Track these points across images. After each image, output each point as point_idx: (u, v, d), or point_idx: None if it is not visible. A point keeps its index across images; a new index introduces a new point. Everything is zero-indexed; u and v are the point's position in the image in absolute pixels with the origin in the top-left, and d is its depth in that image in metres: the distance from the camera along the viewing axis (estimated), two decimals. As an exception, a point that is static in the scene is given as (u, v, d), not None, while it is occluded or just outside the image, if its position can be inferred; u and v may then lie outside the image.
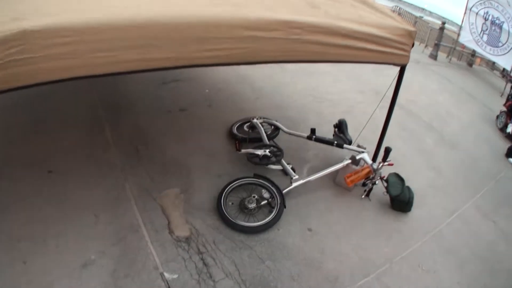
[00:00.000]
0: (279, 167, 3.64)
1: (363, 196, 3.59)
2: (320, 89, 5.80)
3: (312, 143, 3.96)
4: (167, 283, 2.49)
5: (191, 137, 4.04)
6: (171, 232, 2.85)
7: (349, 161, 3.59)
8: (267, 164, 3.57)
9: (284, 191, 3.29)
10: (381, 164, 3.38)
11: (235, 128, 4.24)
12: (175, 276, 2.53)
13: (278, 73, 5.88)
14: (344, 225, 3.31)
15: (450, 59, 8.61)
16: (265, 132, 4.07)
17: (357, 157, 3.58)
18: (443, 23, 8.58)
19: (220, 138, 4.14)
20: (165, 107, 4.50)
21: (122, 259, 2.59)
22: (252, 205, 3.13)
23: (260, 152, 3.60)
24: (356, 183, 3.49)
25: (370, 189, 3.61)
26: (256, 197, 3.21)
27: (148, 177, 3.33)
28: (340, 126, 3.99)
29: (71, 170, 3.25)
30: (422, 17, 9.37)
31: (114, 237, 2.73)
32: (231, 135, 4.15)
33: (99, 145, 3.62)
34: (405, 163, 4.32)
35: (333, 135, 4.05)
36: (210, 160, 3.74)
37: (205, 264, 2.66)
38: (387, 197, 3.58)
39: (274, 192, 3.24)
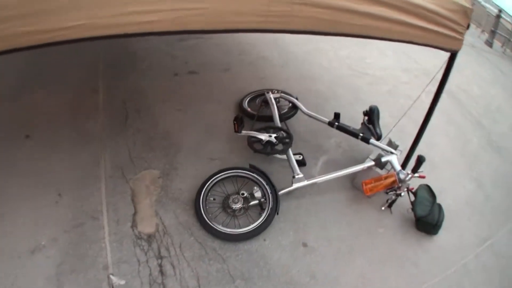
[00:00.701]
0: (285, 157, 2.99)
1: (383, 208, 2.84)
2: (361, 62, 4.73)
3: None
4: (113, 288, 2.16)
5: (193, 107, 3.51)
6: (134, 225, 2.46)
7: (372, 163, 2.80)
8: (269, 154, 2.94)
9: (280, 193, 2.68)
10: (410, 176, 2.56)
11: (246, 101, 3.59)
12: (123, 282, 2.17)
13: (315, 37, 4.88)
14: (350, 244, 2.63)
15: (505, 50, 7.05)
16: (280, 110, 3.38)
17: (383, 159, 2.77)
18: (499, 10, 7.08)
19: (227, 111, 3.54)
20: (174, 69, 3.97)
21: (73, 250, 2.28)
22: (237, 206, 2.58)
23: (263, 136, 2.96)
24: (375, 192, 2.73)
25: (394, 200, 2.82)
26: (245, 195, 2.65)
27: (128, 153, 2.93)
28: (371, 115, 3.12)
29: (50, 137, 2.97)
30: (480, 1, 7.63)
31: (71, 223, 2.42)
32: (240, 109, 3.53)
33: (87, 109, 3.27)
34: (444, 167, 3.33)
35: (362, 123, 3.21)
36: (206, 138, 3.21)
37: (162, 272, 2.25)
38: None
39: (267, 191, 2.65)
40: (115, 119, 3.21)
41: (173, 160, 2.96)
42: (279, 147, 2.96)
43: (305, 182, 2.72)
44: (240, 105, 3.56)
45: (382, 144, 2.94)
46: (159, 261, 2.29)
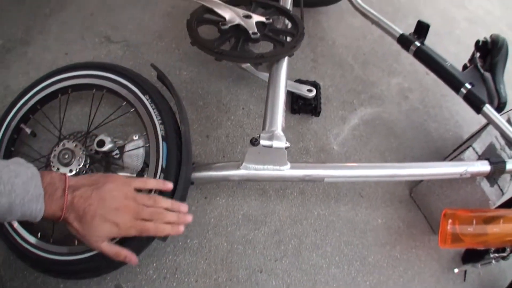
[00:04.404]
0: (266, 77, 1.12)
1: (457, 270, 1.07)
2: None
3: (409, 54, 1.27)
4: None
5: None
6: None
7: (478, 168, 0.94)
8: (222, 58, 1.02)
9: (195, 176, 0.91)
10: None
11: None
12: None
13: None
14: None
15: None
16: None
17: (510, 165, 0.92)
18: None
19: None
20: None
21: None
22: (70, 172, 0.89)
23: (229, 13, 1.09)
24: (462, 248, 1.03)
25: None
26: (104, 148, 0.86)
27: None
28: (493, 52, 1.14)
29: None
30: None
31: None
32: None
33: None
34: None
35: (470, 64, 1.21)
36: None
37: None
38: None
39: (160, 158, 0.87)
40: None
41: (40, 23, 1.36)
42: (254, 46, 1.15)
43: (279, 172, 0.91)
44: None
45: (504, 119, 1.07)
46: None
